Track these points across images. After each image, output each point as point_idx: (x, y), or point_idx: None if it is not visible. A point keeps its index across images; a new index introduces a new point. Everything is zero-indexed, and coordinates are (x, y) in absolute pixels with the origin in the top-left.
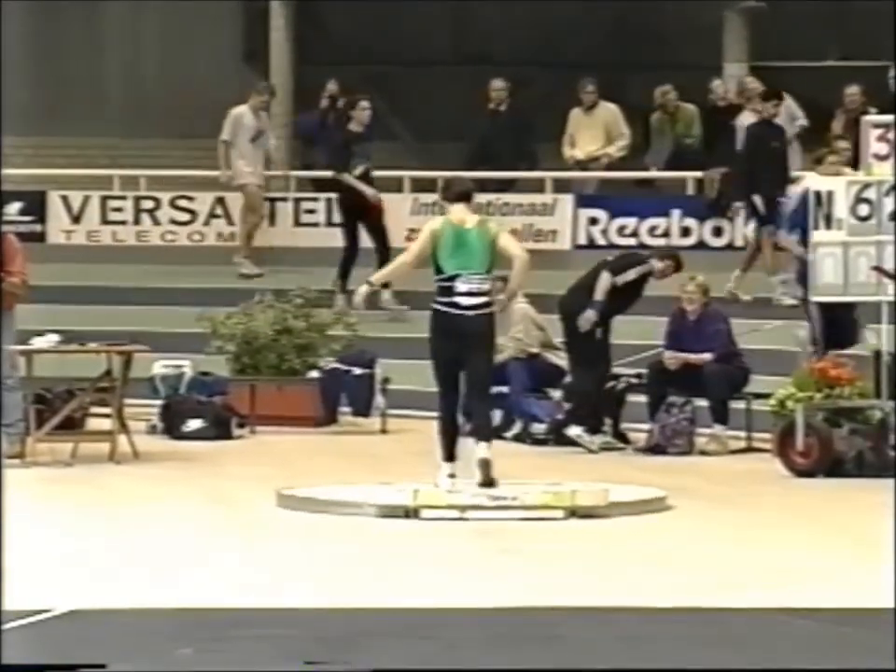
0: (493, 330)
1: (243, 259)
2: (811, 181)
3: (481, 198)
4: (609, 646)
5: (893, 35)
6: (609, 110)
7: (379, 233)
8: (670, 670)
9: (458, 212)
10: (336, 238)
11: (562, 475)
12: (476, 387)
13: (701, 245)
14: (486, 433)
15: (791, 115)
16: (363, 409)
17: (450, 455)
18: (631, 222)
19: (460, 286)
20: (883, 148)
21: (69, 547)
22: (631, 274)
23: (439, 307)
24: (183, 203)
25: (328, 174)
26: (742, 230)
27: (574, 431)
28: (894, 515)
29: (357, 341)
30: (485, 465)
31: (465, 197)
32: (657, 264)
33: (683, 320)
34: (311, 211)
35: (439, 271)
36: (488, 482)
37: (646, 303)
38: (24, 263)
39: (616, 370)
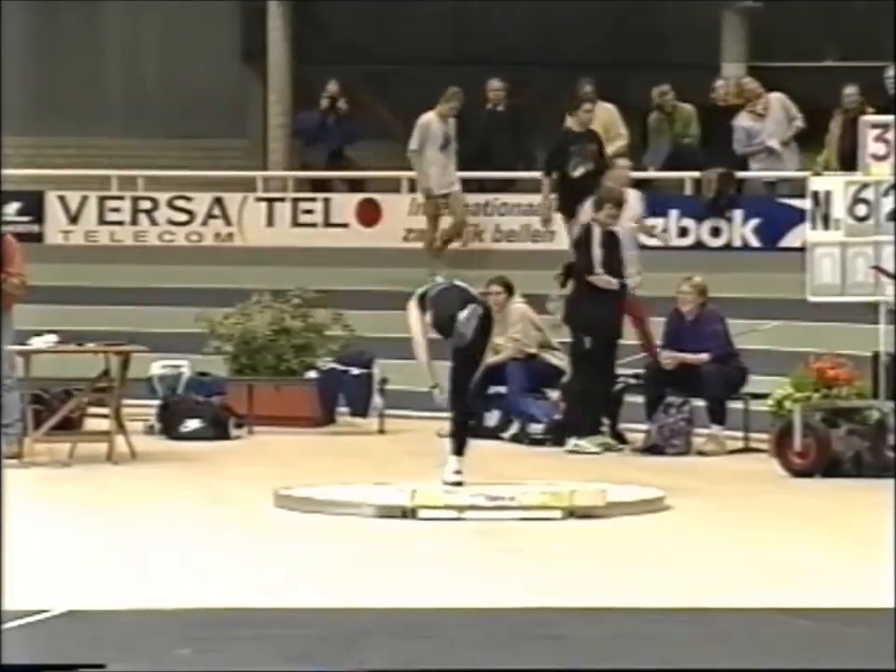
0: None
1: (438, 265)
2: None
3: (479, 198)
4: (608, 646)
5: (893, 36)
6: (606, 111)
7: None
8: (668, 670)
9: None
10: (333, 238)
11: (560, 475)
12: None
13: (699, 245)
14: (462, 439)
15: (788, 115)
16: (361, 409)
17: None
18: None
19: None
20: (881, 149)
21: (67, 547)
22: (595, 253)
23: None
24: (181, 203)
25: (327, 174)
26: (739, 230)
27: (571, 443)
28: (894, 515)
29: (355, 341)
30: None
31: None
32: (599, 214)
33: (680, 321)
34: (309, 211)
35: None
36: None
37: (645, 304)
38: (23, 264)
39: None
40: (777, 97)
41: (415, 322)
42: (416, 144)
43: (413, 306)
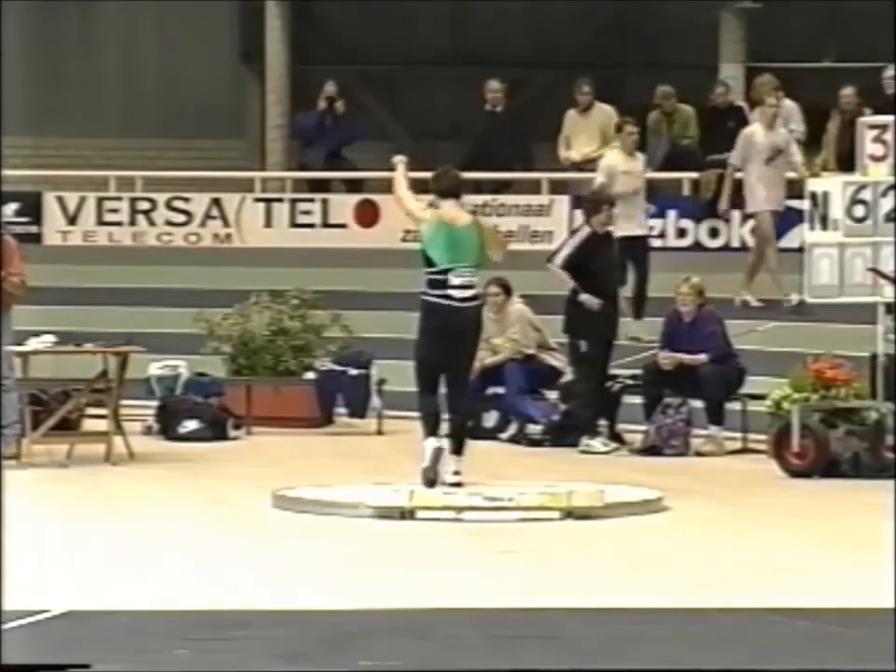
0: (481, 325)
1: (746, 291)
2: (813, 182)
3: (477, 199)
4: (607, 646)
5: (893, 36)
6: (604, 111)
7: None
8: (667, 670)
9: (449, 209)
10: (331, 238)
11: (558, 476)
12: (458, 384)
13: (697, 245)
14: (461, 440)
15: (787, 122)
16: (359, 410)
17: (433, 432)
18: None
19: (453, 279)
20: (879, 149)
21: (66, 548)
22: (565, 250)
23: (431, 299)
24: (179, 203)
25: (325, 175)
26: (738, 231)
27: (584, 443)
28: (894, 515)
29: (353, 342)
30: (457, 484)
31: (455, 193)
32: (591, 221)
33: (679, 322)
34: (307, 212)
35: (429, 263)
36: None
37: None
38: (22, 264)
39: (612, 371)
40: (786, 104)
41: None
42: (738, 159)
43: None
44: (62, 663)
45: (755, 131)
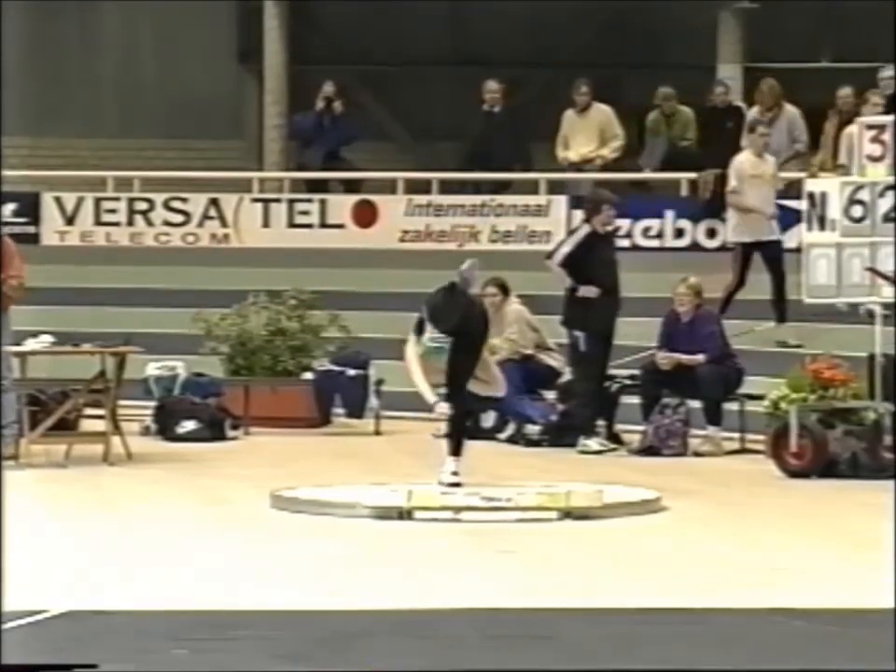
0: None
1: None
2: (811, 183)
3: (475, 199)
4: (606, 646)
5: (891, 36)
6: (602, 112)
7: None
8: (667, 671)
9: None
10: (329, 239)
11: (556, 476)
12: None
13: (695, 246)
14: (459, 440)
15: (791, 136)
16: (357, 410)
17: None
18: (625, 223)
19: None
20: (877, 150)
21: (64, 548)
22: (564, 248)
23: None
24: (177, 204)
25: (323, 175)
26: None
27: (581, 443)
28: (894, 515)
29: (351, 342)
30: (455, 484)
31: None
32: (592, 221)
33: (677, 322)
34: (305, 212)
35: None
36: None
37: (641, 304)
38: (22, 266)
39: (610, 371)
40: (789, 111)
41: (411, 349)
42: (847, 158)
43: (412, 339)
44: (61, 663)
45: (854, 132)
